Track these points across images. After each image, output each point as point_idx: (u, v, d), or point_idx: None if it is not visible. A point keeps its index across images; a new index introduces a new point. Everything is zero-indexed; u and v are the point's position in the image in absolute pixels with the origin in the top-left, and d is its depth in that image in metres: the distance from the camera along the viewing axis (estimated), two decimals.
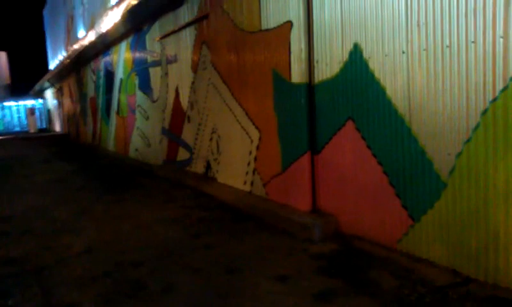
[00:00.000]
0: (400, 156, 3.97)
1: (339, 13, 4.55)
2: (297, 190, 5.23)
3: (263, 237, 4.79)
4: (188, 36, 8.26)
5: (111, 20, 11.38)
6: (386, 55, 4.05)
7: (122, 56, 12.91)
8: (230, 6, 6.47)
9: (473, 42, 3.30)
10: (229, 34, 6.57)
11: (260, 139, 5.95)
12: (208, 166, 7.82)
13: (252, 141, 6.15)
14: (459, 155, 3.45)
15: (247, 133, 6.25)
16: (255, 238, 4.78)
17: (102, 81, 15.87)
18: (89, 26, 16.10)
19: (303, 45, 4.95)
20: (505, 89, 3.11)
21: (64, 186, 9.02)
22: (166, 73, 9.54)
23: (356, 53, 4.37)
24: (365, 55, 4.26)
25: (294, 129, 5.21)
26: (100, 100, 16.38)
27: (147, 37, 10.53)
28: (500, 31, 3.14)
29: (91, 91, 17.87)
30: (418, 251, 3.85)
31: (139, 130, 11.97)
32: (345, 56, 4.50)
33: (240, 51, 6.28)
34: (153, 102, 10.55)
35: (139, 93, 11.60)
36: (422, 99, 3.74)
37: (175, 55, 8.94)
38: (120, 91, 13.58)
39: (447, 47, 3.49)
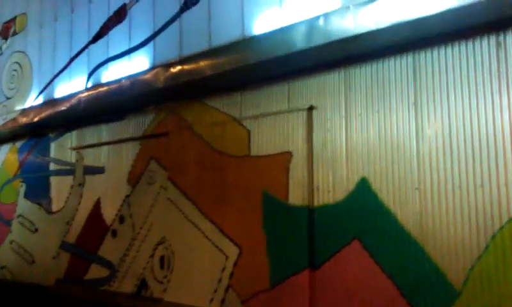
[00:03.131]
0: (413, 271, 4.78)
1: (344, 150, 5.48)
2: (291, 304, 5.53)
3: None
4: (126, 149, 8.24)
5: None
6: (398, 190, 5.03)
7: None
8: (204, 130, 6.92)
9: (480, 186, 4.51)
10: (201, 155, 6.92)
11: (239, 255, 6.17)
12: (142, 285, 7.42)
13: (227, 258, 6.30)
14: (472, 268, 4.42)
15: (220, 249, 6.40)
16: None
17: None
18: None
19: (305, 173, 5.70)
20: (510, 220, 4.30)
21: None
22: (81, 184, 9.04)
23: (363, 185, 5.27)
24: (374, 187, 5.18)
25: (290, 246, 5.67)
26: None
27: (54, 144, 9.95)
28: (502, 179, 4.38)
29: None
30: None
31: (14, 243, 10.50)
32: (351, 186, 5.36)
33: (218, 171, 6.66)
34: (50, 213, 9.64)
35: (23, 202, 10.45)
36: (434, 226, 4.72)
37: (102, 167, 8.68)
38: None
39: (458, 187, 4.64)
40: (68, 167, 9.36)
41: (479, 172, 4.52)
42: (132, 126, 8.24)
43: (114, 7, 7.81)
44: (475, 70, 4.67)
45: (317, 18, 5.28)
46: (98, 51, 7.98)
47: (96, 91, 7.98)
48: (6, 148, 11.42)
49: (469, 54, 4.72)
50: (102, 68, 7.95)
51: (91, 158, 8.89)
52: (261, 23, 5.86)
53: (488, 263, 4.33)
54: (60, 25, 8.95)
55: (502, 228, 4.31)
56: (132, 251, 7.75)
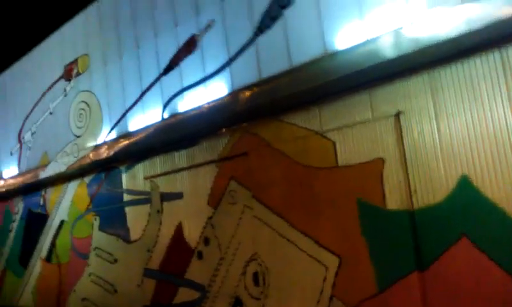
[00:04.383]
0: None
1: (438, 151, 5.60)
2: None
3: None
4: (203, 173, 8.52)
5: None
6: (502, 184, 5.12)
7: (69, 196, 12.09)
8: (285, 146, 7.13)
9: None
10: (285, 170, 7.13)
11: (340, 264, 6.32)
12: (237, 303, 7.63)
13: (327, 268, 6.46)
14: None
15: (318, 260, 6.57)
16: None
17: (16, 225, 14.19)
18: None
19: (400, 177, 5.84)
20: None
21: None
22: (159, 211, 9.37)
23: (465, 183, 5.37)
24: (476, 184, 5.29)
25: (394, 250, 5.80)
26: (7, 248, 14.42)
27: (125, 175, 10.33)
28: None
29: None
30: None
31: (93, 276, 10.89)
32: (452, 186, 5.46)
33: (305, 184, 6.86)
34: (128, 242, 9.99)
35: (99, 235, 10.84)
36: None
37: (179, 193, 8.98)
38: (56, 235, 12.36)
39: None
40: (143, 197, 9.70)
41: None
42: (206, 150, 8.52)
43: (182, 38, 8.13)
44: None
45: (400, 28, 5.45)
46: (171, 82, 8.32)
47: (172, 120, 8.31)
48: (75, 184, 11.88)
49: None
50: (177, 98, 8.27)
51: (167, 185, 9.21)
52: (343, 38, 6.05)
53: None
54: (126, 61, 9.36)
55: None
56: (221, 271, 7.98)
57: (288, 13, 6.62)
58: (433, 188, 5.60)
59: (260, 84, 6.84)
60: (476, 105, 5.33)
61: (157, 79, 8.73)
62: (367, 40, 5.78)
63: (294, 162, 7.03)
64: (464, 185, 5.36)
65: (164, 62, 8.56)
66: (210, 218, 8.31)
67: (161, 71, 8.63)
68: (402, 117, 5.93)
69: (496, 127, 5.15)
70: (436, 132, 5.63)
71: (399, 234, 5.80)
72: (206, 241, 8.33)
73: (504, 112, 5.10)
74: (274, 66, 6.70)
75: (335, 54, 6.08)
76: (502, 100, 5.13)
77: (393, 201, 5.87)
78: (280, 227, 7.15)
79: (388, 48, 5.56)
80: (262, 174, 7.53)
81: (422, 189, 5.70)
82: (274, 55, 6.70)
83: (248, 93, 6.99)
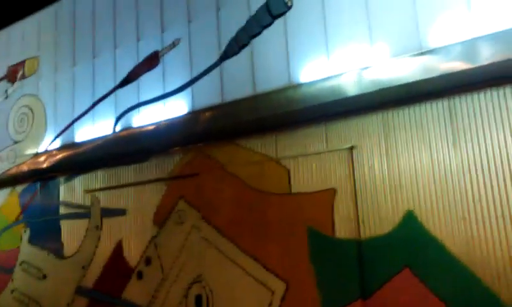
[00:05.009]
0: (466, 294, 5.26)
1: (387, 186, 5.98)
2: None
3: None
4: (150, 190, 8.40)
5: None
6: (444, 221, 5.56)
7: None
8: (240, 170, 7.27)
9: None
10: (237, 193, 7.22)
11: (286, 289, 6.45)
12: None
13: (273, 293, 6.56)
14: None
15: (264, 285, 6.65)
16: None
17: None
18: None
19: (350, 208, 6.15)
20: None
21: None
22: (98, 226, 9.05)
23: (410, 217, 5.77)
24: (421, 219, 5.70)
25: (340, 278, 6.04)
26: None
27: (63, 187, 9.90)
28: None
29: None
30: None
31: (16, 292, 10.18)
32: (398, 219, 5.84)
33: (257, 209, 6.98)
34: (62, 258, 9.51)
35: (28, 248, 10.21)
36: (482, 252, 5.26)
37: (123, 209, 8.76)
38: None
39: (501, 216, 5.23)
40: (82, 210, 9.34)
41: None
42: (155, 167, 8.42)
43: (144, 53, 8.13)
44: (507, 112, 5.33)
45: (363, 68, 5.87)
46: (127, 95, 8.23)
47: (124, 134, 8.18)
48: (5, 192, 11.16)
49: (500, 99, 5.39)
50: (132, 112, 8.17)
51: (110, 200, 8.94)
52: (307, 71, 6.38)
53: None
54: (80, 69, 9.14)
55: None
56: (162, 292, 7.80)
57: (256, 41, 6.87)
58: (380, 221, 5.93)
59: (223, 106, 6.97)
60: (424, 147, 5.78)
61: (112, 91, 8.59)
62: (330, 76, 6.12)
63: (247, 186, 7.14)
64: (410, 219, 5.74)
65: (122, 74, 8.46)
66: (154, 237, 8.16)
67: (117, 83, 8.50)
68: (354, 151, 6.28)
69: (441, 168, 5.61)
70: (386, 168, 6.01)
71: (346, 262, 6.05)
72: (147, 261, 8.14)
73: (449, 155, 5.58)
74: (238, 91, 6.87)
75: (299, 86, 6.37)
76: (448, 144, 5.61)
77: (342, 231, 6.14)
78: (228, 250, 7.18)
79: (349, 86, 5.94)
80: (213, 195, 7.56)
81: (369, 221, 6.02)
82: (239, 81, 6.89)
83: (208, 114, 7.09)
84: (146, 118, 8.01)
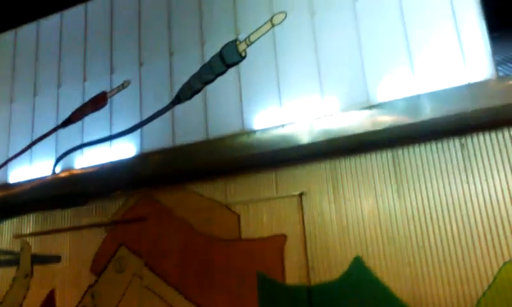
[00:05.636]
0: None
1: (336, 232, 6.17)
2: None
3: None
4: (90, 236, 8.01)
5: None
6: (390, 266, 5.81)
7: None
8: (188, 215, 7.16)
9: (462, 259, 5.48)
10: (185, 239, 7.07)
11: None
12: None
13: None
14: None
15: None
16: None
17: None
18: None
19: (300, 254, 6.24)
20: (488, 288, 5.27)
21: None
22: (27, 275, 8.42)
23: (358, 263, 5.95)
24: (368, 264, 5.90)
25: None
26: None
27: None
28: (479, 253, 5.41)
29: None
30: None
31: None
32: (346, 265, 6.00)
33: (205, 255, 6.86)
34: None
35: None
36: (426, 294, 5.51)
37: (57, 256, 8.24)
38: None
39: (443, 261, 5.56)
40: (9, 257, 8.65)
41: (459, 248, 5.49)
42: (95, 211, 8.07)
43: (90, 94, 7.94)
44: (446, 164, 5.78)
45: (314, 119, 6.16)
46: (70, 136, 7.92)
47: (64, 175, 7.82)
48: None
49: (439, 152, 5.85)
50: (74, 153, 7.86)
51: (42, 246, 8.38)
52: (260, 119, 6.56)
53: None
54: (18, 106, 8.71)
55: (484, 294, 5.24)
56: None
57: (209, 88, 6.98)
58: (329, 266, 6.06)
59: (173, 150, 6.91)
60: (370, 194, 6.06)
61: (54, 130, 8.23)
62: (282, 125, 6.32)
63: (196, 232, 7.03)
64: (357, 264, 5.91)
65: (65, 115, 8.17)
66: (91, 286, 7.70)
67: (59, 123, 8.18)
68: (304, 198, 6.44)
69: (387, 215, 5.90)
70: (334, 215, 6.21)
71: None
72: None
73: (394, 203, 5.90)
74: (190, 135, 6.87)
75: (252, 132, 6.50)
76: (392, 192, 5.94)
77: (292, 276, 6.18)
78: (172, 299, 6.93)
79: (300, 134, 6.17)
80: (158, 241, 7.34)
81: (319, 266, 6.13)
82: (191, 125, 6.91)
83: (158, 157, 6.99)
84: (90, 160, 7.71)
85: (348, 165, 6.29)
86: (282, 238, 6.40)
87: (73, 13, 8.65)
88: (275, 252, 6.38)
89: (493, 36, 5.64)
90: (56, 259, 8.19)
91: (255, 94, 6.68)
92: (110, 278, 7.57)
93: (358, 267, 5.90)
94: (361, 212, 6.06)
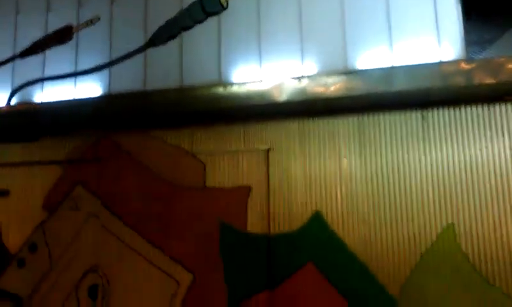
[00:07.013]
0: (361, 287, 6.01)
1: (298, 187, 6.53)
2: None
3: None
4: (43, 172, 7.80)
5: None
6: (346, 221, 6.30)
7: None
8: (150, 160, 7.19)
9: (411, 220, 6.06)
10: (145, 184, 7.12)
11: (193, 281, 6.56)
12: None
13: (179, 284, 6.60)
14: (405, 282, 5.86)
15: (169, 275, 6.66)
16: None
17: None
18: None
19: (264, 206, 6.56)
20: (431, 245, 5.91)
21: None
22: None
23: (317, 217, 6.38)
24: (326, 219, 6.36)
25: (248, 270, 6.37)
26: None
27: None
28: (427, 216, 6.04)
29: None
30: None
31: None
32: (305, 218, 6.41)
33: (167, 200, 6.96)
34: None
35: None
36: (377, 250, 6.08)
37: (5, 190, 7.96)
38: None
39: (394, 220, 6.13)
40: None
41: (410, 209, 6.06)
42: (50, 148, 7.82)
43: (54, 26, 7.57)
44: (406, 133, 6.27)
45: (291, 78, 6.38)
46: (29, 68, 7.53)
47: (19, 108, 7.49)
48: None
49: (402, 122, 6.32)
50: (33, 87, 7.50)
51: None
52: (237, 73, 6.66)
53: (417, 277, 5.81)
54: None
55: (427, 250, 5.87)
56: (47, 282, 7.25)
57: (187, 34, 6.94)
58: (290, 219, 6.42)
59: (143, 94, 6.84)
60: (334, 155, 6.45)
61: (10, 59, 7.78)
62: (259, 81, 6.47)
63: (158, 177, 7.08)
64: (317, 219, 6.33)
65: (23, 44, 7.73)
66: (42, 222, 7.55)
67: (17, 53, 7.74)
68: (271, 153, 6.71)
69: (348, 175, 6.33)
70: (298, 171, 6.55)
71: (255, 256, 6.40)
72: (32, 247, 7.48)
73: (355, 165, 6.33)
74: (163, 81, 6.82)
75: (228, 84, 6.59)
76: (355, 155, 6.36)
77: (254, 226, 6.49)
78: (130, 239, 7.01)
79: (275, 92, 6.36)
80: (117, 184, 7.31)
81: (280, 218, 6.47)
82: (165, 71, 6.85)
83: (125, 100, 6.89)
84: (51, 96, 7.42)
85: (316, 126, 6.61)
86: (247, 189, 6.65)
87: None
88: (239, 202, 6.63)
89: (468, 18, 6.12)
90: (4, 193, 7.89)
91: (234, 47, 6.74)
92: (64, 215, 7.46)
93: (317, 221, 6.31)
94: (324, 171, 6.44)
